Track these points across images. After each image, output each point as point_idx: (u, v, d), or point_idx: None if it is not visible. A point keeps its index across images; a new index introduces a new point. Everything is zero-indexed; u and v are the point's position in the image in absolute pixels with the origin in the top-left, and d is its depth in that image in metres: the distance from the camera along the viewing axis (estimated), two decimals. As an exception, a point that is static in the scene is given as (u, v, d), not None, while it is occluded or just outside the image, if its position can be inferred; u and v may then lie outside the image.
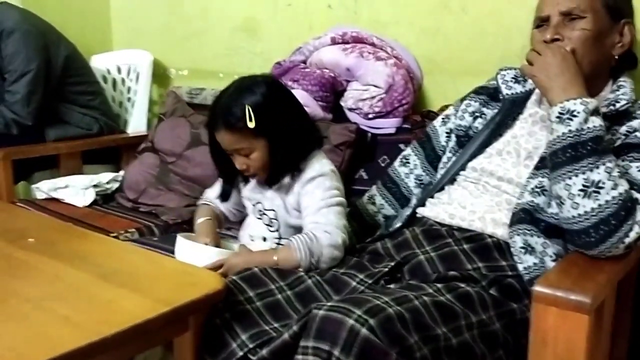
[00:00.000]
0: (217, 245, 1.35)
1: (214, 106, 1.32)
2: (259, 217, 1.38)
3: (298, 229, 1.33)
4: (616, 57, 1.25)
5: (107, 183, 2.17)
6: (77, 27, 2.62)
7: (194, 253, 1.26)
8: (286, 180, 1.33)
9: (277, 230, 1.36)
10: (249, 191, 1.40)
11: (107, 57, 2.73)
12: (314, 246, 1.23)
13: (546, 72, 1.14)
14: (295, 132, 1.31)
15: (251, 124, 1.24)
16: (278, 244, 1.35)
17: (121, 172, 2.24)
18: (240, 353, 1.02)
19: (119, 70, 2.66)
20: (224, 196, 1.44)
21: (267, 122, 1.26)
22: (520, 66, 1.22)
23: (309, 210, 1.29)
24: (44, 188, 2.11)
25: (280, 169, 1.31)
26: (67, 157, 2.34)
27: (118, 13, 2.87)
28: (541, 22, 1.26)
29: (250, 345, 1.03)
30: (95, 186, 2.12)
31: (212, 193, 1.49)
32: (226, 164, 1.36)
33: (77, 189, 2.09)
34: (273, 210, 1.35)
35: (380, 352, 0.90)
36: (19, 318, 0.88)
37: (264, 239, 1.37)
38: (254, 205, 1.39)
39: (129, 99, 2.63)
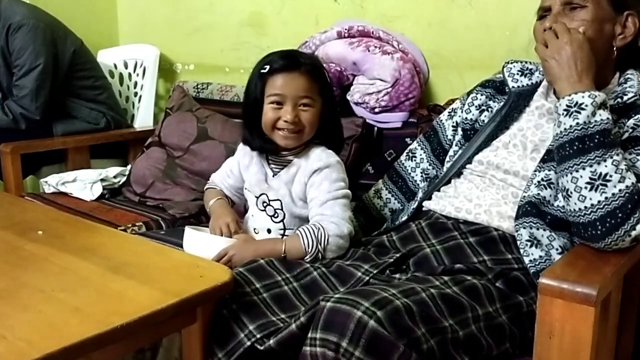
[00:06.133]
0: (236, 222, 1.37)
1: (280, 52, 1.33)
2: (263, 208, 1.38)
3: (302, 219, 1.35)
4: (615, 48, 1.22)
5: (115, 177, 2.18)
6: (83, 22, 2.64)
7: (203, 243, 1.28)
8: (292, 169, 1.34)
9: (281, 221, 1.36)
10: (254, 183, 1.40)
11: (113, 52, 2.74)
12: (321, 236, 1.25)
13: (559, 57, 1.13)
14: (336, 113, 1.37)
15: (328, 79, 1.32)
16: (282, 235, 1.36)
17: (128, 167, 2.25)
18: (248, 343, 1.03)
19: (126, 65, 2.67)
20: (247, 141, 1.39)
21: (329, 88, 1.35)
22: (534, 47, 1.21)
23: (315, 202, 1.31)
24: (52, 182, 2.13)
25: (318, 136, 1.35)
26: (75, 152, 2.35)
27: (124, 8, 2.88)
28: (544, 12, 1.25)
29: (258, 336, 1.03)
30: (102, 180, 2.14)
31: (217, 176, 1.52)
32: (257, 120, 1.34)
33: (84, 183, 2.10)
34: (278, 200, 1.35)
35: (387, 343, 0.91)
36: (30, 309, 0.89)
37: (269, 231, 1.37)
38: (257, 197, 1.39)
39: (135, 94, 2.64)
